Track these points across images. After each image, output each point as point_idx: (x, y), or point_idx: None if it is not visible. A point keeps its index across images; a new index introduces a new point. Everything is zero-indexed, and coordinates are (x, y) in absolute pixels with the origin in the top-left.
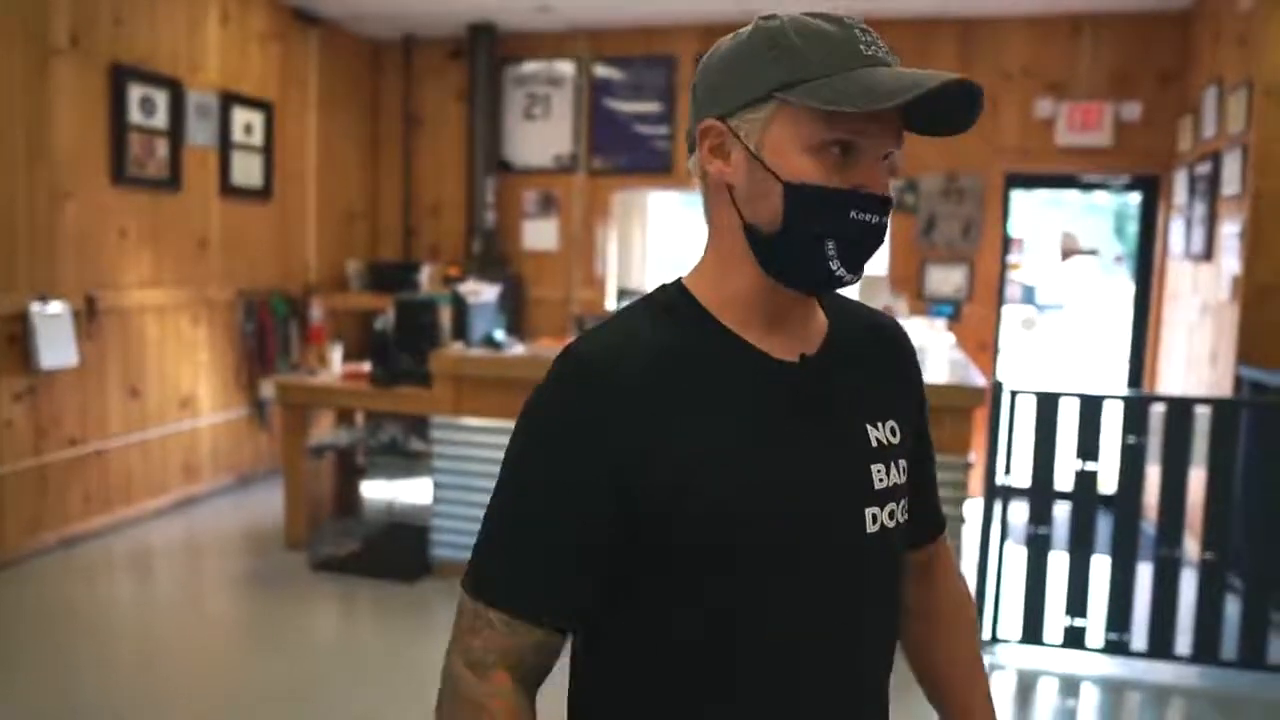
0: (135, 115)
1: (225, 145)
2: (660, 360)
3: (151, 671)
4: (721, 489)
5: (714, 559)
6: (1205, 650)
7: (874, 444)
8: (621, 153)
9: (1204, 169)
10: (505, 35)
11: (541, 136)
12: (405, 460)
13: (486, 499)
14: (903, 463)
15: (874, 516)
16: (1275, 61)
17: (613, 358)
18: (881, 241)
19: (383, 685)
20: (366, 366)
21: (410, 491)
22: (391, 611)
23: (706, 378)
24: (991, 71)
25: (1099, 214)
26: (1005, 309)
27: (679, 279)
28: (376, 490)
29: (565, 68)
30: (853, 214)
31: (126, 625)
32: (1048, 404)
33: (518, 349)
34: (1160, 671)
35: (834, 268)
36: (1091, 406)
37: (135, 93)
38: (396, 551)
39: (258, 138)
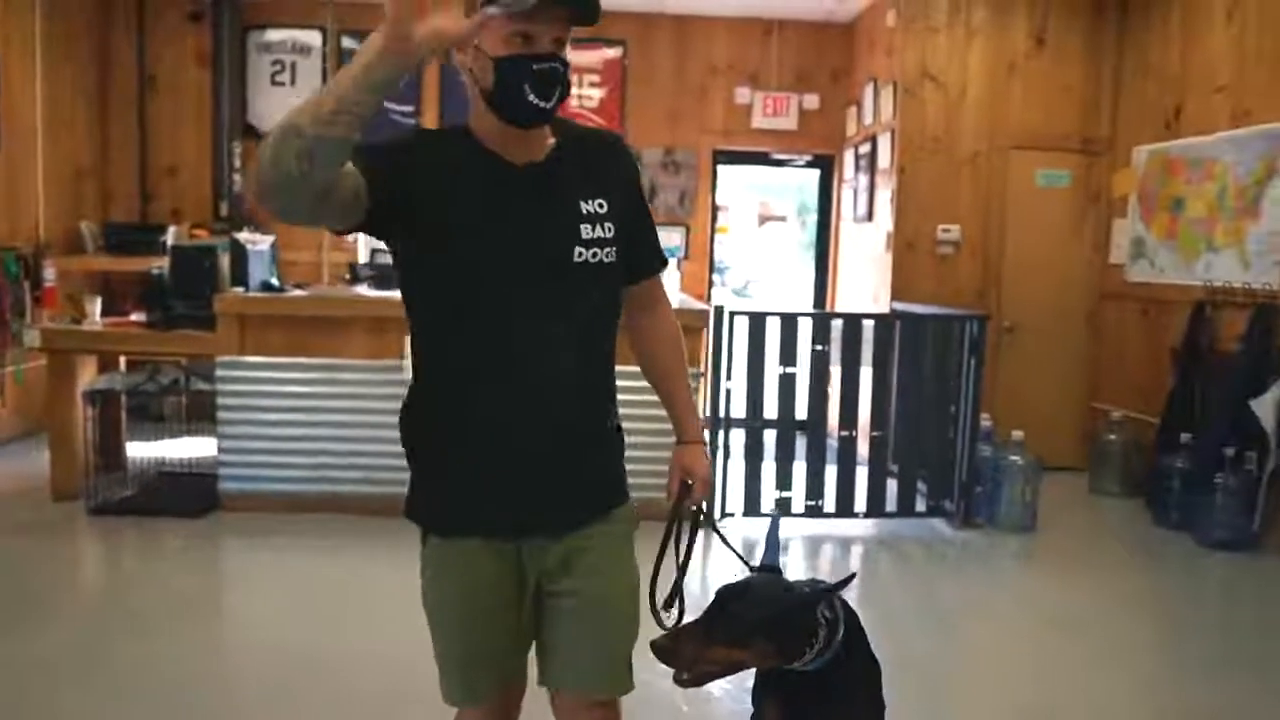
0: None
1: None
2: (436, 147)
3: None
4: (463, 240)
5: (462, 266)
6: (875, 506)
7: (583, 212)
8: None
9: (865, 149)
10: (248, 1)
11: (289, 103)
12: (191, 401)
13: (274, 431)
14: (609, 224)
15: (579, 253)
16: (911, 68)
17: (415, 137)
18: (559, 79)
19: (184, 616)
20: (133, 317)
21: (175, 449)
22: (183, 545)
23: (462, 171)
24: (702, 64)
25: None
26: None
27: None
28: (141, 450)
29: (312, 38)
30: (534, 66)
31: None
32: (757, 323)
33: (298, 292)
34: (845, 526)
35: (533, 100)
36: (790, 324)
37: None
38: (179, 492)
39: None
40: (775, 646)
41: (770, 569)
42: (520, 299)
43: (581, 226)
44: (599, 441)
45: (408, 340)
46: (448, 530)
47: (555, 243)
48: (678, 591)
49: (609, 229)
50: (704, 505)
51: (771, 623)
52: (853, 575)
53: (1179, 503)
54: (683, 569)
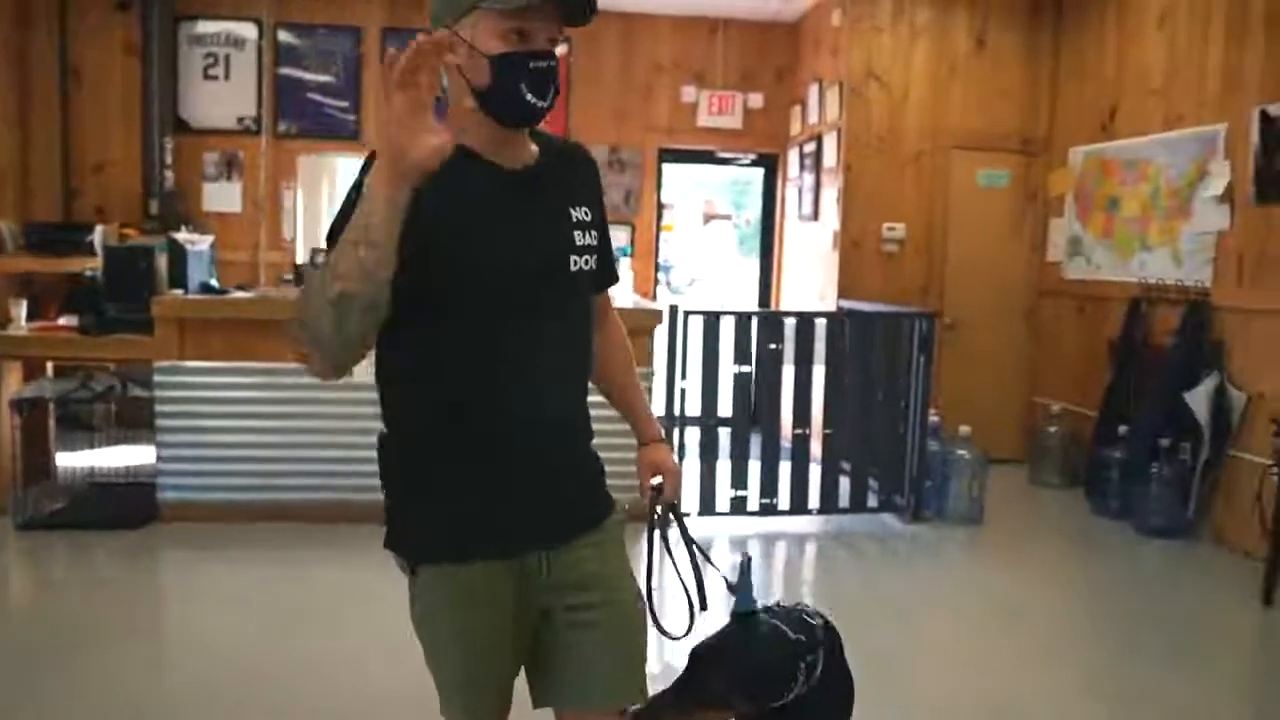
0: None
1: None
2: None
3: None
4: (468, 243)
5: (460, 273)
6: (829, 504)
7: (574, 219)
8: (306, 118)
9: (810, 148)
10: None
11: (223, 97)
12: (121, 408)
13: (217, 439)
14: (593, 232)
15: (574, 261)
16: (858, 68)
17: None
18: (555, 77)
19: (125, 633)
20: (61, 320)
21: (107, 458)
22: (120, 558)
23: (461, 176)
24: (647, 62)
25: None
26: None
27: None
28: (71, 460)
29: (247, 30)
30: (531, 63)
31: None
32: (711, 322)
33: (239, 294)
34: (799, 523)
35: (530, 99)
36: (743, 323)
37: None
38: (114, 503)
39: None
40: (755, 704)
41: (746, 614)
42: (520, 307)
43: (575, 233)
44: (589, 450)
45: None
46: (448, 558)
47: (554, 249)
48: (697, 597)
49: (594, 236)
50: (679, 502)
51: (750, 682)
52: (839, 638)
53: (1117, 492)
54: (693, 570)
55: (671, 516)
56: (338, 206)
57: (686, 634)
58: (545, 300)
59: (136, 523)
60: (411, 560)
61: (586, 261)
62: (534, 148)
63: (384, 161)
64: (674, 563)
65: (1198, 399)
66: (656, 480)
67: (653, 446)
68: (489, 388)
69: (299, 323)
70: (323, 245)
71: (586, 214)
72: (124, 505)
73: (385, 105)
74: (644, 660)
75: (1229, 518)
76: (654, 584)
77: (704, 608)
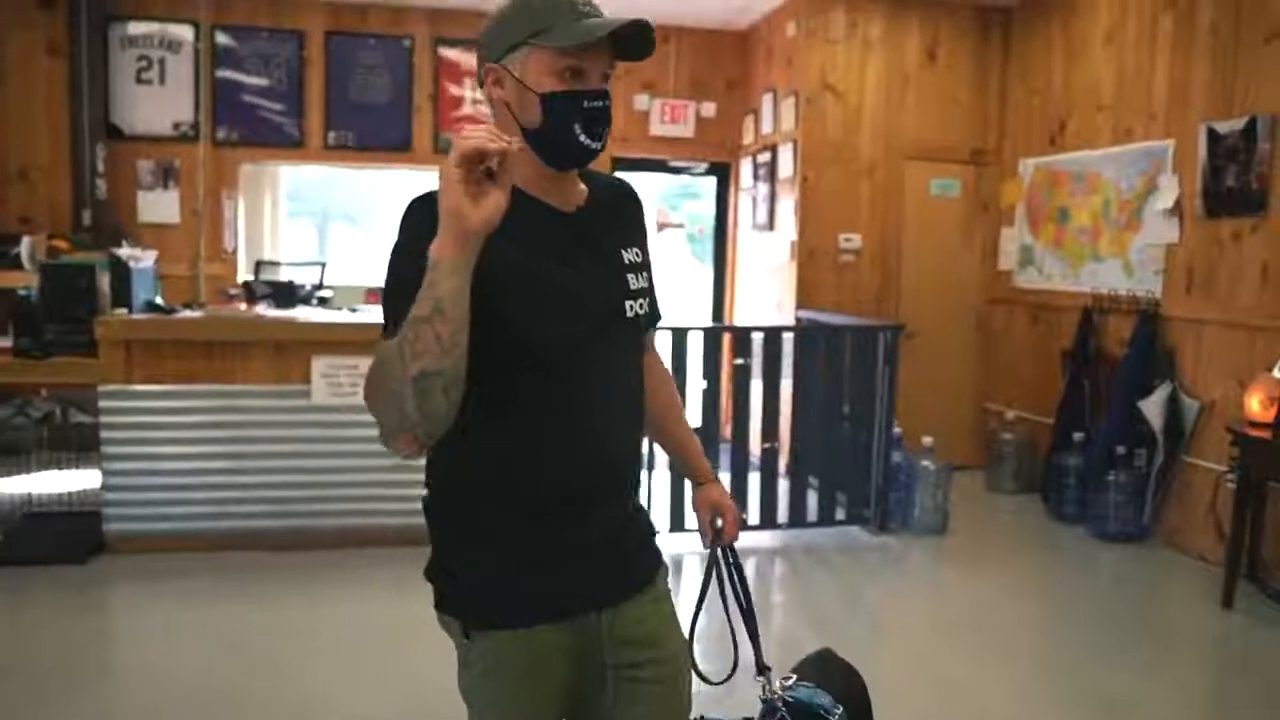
0: None
1: None
2: None
3: None
4: (526, 288)
5: (528, 329)
6: (796, 518)
7: (627, 262)
8: (246, 125)
9: (764, 158)
10: None
11: (158, 103)
12: (54, 433)
13: (167, 466)
14: (645, 274)
15: (630, 307)
16: (813, 79)
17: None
18: (609, 117)
19: (73, 680)
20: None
21: (42, 486)
22: (67, 596)
23: (513, 218)
24: None
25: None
26: None
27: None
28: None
29: (183, 32)
30: (585, 103)
31: None
32: (679, 337)
33: (188, 313)
34: (768, 537)
35: (583, 140)
36: (711, 337)
37: None
38: (55, 535)
39: None
40: None
41: None
42: (579, 357)
43: (629, 277)
44: (641, 502)
45: (314, 363)
46: (511, 623)
47: (611, 294)
48: (757, 646)
49: (645, 279)
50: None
51: None
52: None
53: (1075, 498)
54: (749, 615)
55: (727, 558)
56: (389, 262)
57: (727, 679)
58: (604, 349)
59: (82, 556)
60: (469, 624)
61: (641, 305)
62: (583, 187)
63: (446, 226)
64: (725, 610)
65: (1151, 407)
66: (718, 522)
67: (710, 486)
68: (552, 442)
69: (374, 406)
70: (267, 258)
71: (638, 255)
72: (66, 537)
73: (444, 170)
74: (689, 709)
75: (1183, 523)
76: (700, 626)
77: (761, 665)
